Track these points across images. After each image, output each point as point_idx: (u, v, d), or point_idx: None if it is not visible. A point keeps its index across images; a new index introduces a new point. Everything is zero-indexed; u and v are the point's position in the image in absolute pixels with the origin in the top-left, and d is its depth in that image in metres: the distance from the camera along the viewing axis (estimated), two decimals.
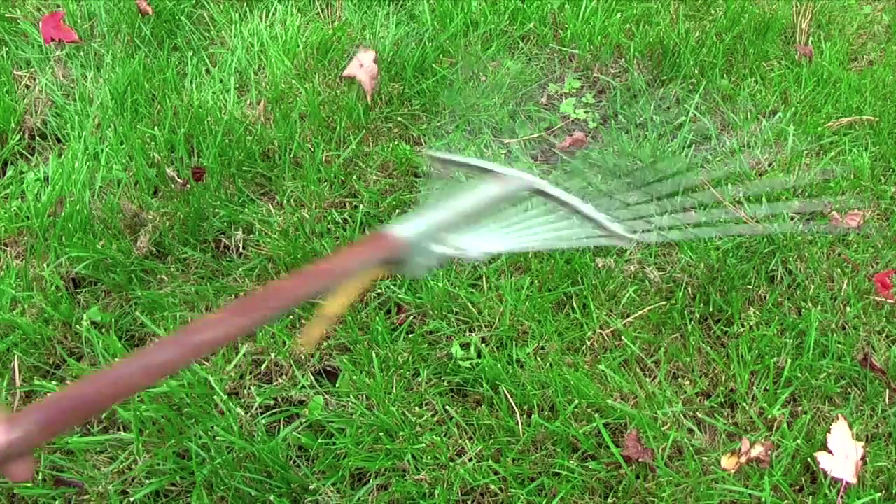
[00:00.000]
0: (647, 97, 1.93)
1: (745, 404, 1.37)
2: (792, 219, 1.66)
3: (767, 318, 1.50)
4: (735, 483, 1.26)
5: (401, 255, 0.77)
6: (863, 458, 1.29)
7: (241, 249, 1.58)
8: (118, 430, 1.30)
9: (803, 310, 1.51)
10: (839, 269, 1.58)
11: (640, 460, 1.28)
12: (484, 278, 1.51)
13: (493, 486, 1.26)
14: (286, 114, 1.79)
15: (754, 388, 1.40)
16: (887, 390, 1.40)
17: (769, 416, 1.36)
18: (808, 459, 1.29)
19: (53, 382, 1.33)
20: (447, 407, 1.34)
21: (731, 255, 1.58)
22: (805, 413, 1.36)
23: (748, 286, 1.55)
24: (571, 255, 1.54)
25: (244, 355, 1.40)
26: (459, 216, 0.82)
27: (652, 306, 1.50)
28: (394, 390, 1.34)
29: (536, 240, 0.93)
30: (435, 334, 1.44)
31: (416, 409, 1.33)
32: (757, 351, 1.44)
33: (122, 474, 1.25)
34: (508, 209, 0.91)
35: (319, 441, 1.29)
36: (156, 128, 1.73)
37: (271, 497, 1.21)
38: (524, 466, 1.27)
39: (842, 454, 1.29)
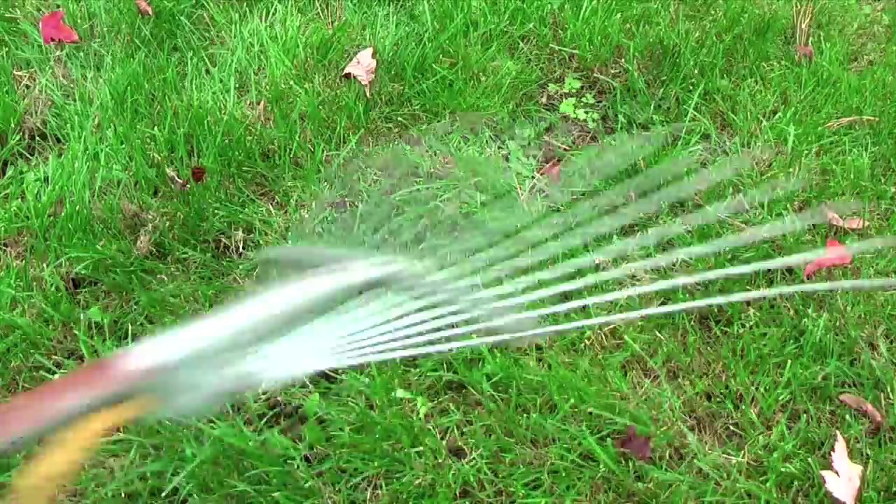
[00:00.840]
0: (647, 97, 1.93)
1: (744, 405, 1.37)
2: (793, 221, 1.67)
3: (767, 318, 1.50)
4: (735, 483, 1.26)
5: (133, 391, 0.58)
6: (862, 478, 1.28)
7: (241, 249, 1.58)
8: (117, 430, 1.30)
9: (803, 309, 1.51)
10: (839, 270, 1.58)
11: (639, 460, 1.28)
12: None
13: (491, 486, 1.26)
14: (286, 114, 1.79)
15: (753, 388, 1.40)
16: (882, 394, 1.40)
17: (769, 417, 1.36)
18: (809, 460, 1.29)
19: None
20: (447, 406, 1.34)
21: (731, 255, 1.58)
22: (805, 413, 1.36)
23: (748, 286, 1.55)
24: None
25: None
26: (254, 329, 0.62)
27: (651, 306, 1.50)
28: (395, 392, 1.34)
29: (385, 347, 0.72)
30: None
31: (416, 408, 1.33)
32: (756, 351, 1.43)
33: (122, 475, 1.25)
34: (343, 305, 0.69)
35: (318, 441, 1.29)
36: (156, 128, 1.73)
37: (265, 499, 1.21)
38: (523, 465, 1.28)
39: (844, 477, 1.28)
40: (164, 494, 1.23)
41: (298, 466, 1.26)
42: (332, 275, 0.64)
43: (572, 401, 1.33)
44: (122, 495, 1.22)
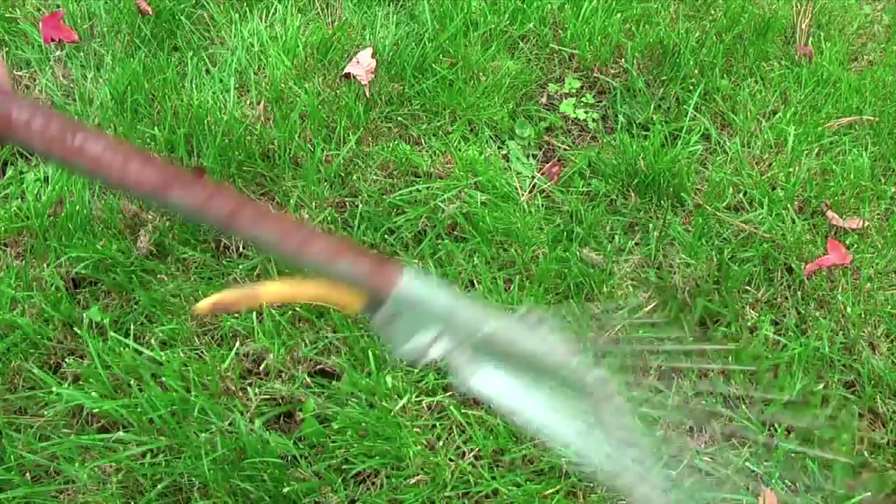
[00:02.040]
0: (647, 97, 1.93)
1: (744, 406, 1.37)
2: (793, 221, 1.67)
3: (766, 319, 1.50)
4: (734, 487, 1.27)
5: (385, 300, 0.60)
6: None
7: (241, 249, 1.58)
8: (118, 429, 1.30)
9: (803, 310, 1.51)
10: (839, 269, 1.58)
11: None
12: (476, 279, 1.51)
13: (488, 487, 1.26)
14: (286, 114, 1.79)
15: (753, 389, 1.40)
16: (880, 400, 1.41)
17: (768, 418, 1.36)
18: (808, 460, 1.30)
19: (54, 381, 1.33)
20: (447, 406, 1.34)
21: (731, 255, 1.58)
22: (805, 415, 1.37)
23: (747, 286, 1.55)
24: (561, 252, 1.55)
25: (243, 355, 1.41)
26: (493, 339, 0.64)
27: (650, 305, 1.50)
28: (401, 395, 1.34)
29: (555, 425, 0.72)
30: None
31: (415, 408, 1.33)
32: (756, 352, 1.44)
33: (122, 473, 1.25)
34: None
35: (317, 440, 1.29)
36: (156, 128, 1.73)
37: (266, 497, 1.21)
38: (522, 465, 1.28)
39: None
40: (161, 495, 1.23)
41: (298, 464, 1.26)
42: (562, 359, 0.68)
43: None
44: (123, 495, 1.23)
